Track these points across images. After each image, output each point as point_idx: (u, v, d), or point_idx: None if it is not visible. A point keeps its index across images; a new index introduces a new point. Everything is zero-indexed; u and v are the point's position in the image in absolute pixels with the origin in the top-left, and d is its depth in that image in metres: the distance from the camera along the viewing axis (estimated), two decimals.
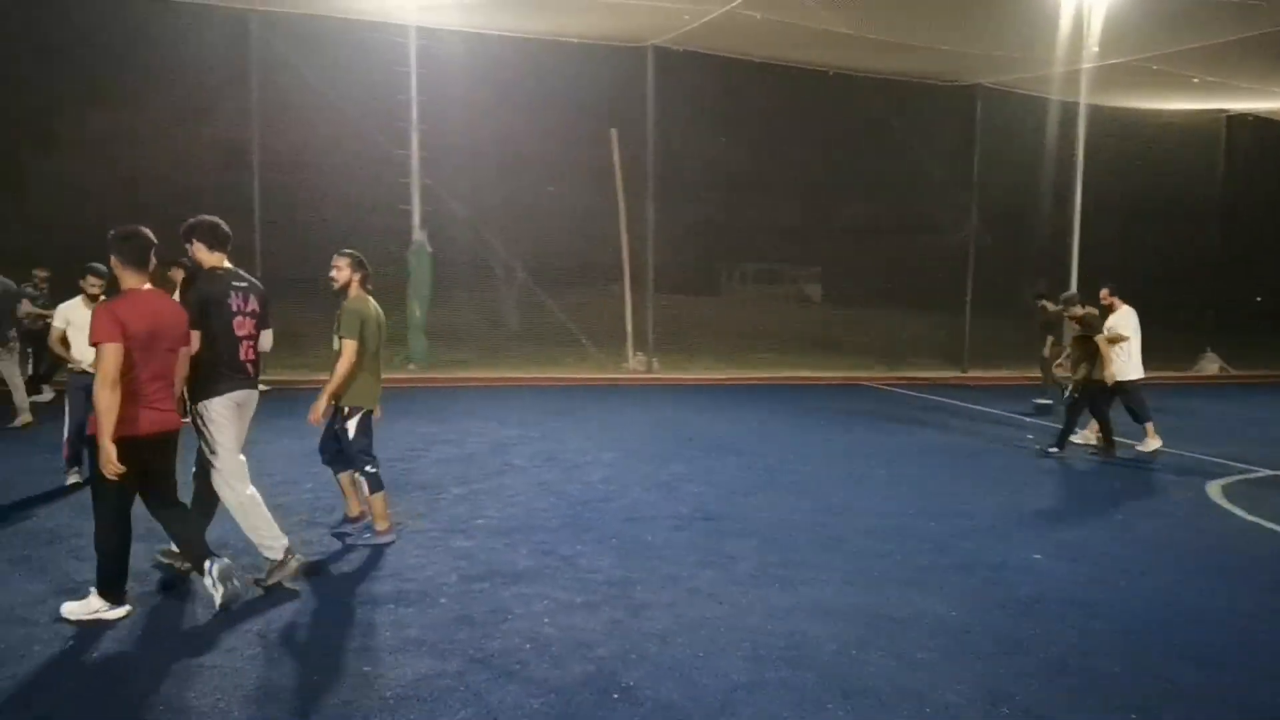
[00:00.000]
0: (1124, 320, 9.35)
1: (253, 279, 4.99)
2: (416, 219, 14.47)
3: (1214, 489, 7.78)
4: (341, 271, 5.52)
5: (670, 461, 8.29)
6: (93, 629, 4.12)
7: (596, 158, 16.03)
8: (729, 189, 19.94)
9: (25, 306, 9.69)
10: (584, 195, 17.08)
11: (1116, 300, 9.50)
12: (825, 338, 19.89)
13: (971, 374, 16.98)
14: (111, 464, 4.05)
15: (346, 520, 5.80)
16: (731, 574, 5.14)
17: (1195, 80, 16.09)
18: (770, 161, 19.94)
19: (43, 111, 17.09)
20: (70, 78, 16.25)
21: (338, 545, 5.48)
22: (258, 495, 4.76)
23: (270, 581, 4.66)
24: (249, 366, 4.83)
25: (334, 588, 4.77)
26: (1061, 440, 9.18)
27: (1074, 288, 18.18)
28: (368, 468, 5.51)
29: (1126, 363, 9.11)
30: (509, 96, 16.05)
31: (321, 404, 5.37)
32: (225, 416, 4.68)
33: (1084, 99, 16.99)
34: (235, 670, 3.76)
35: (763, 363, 17.48)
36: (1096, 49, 14.31)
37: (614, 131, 15.72)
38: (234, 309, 4.74)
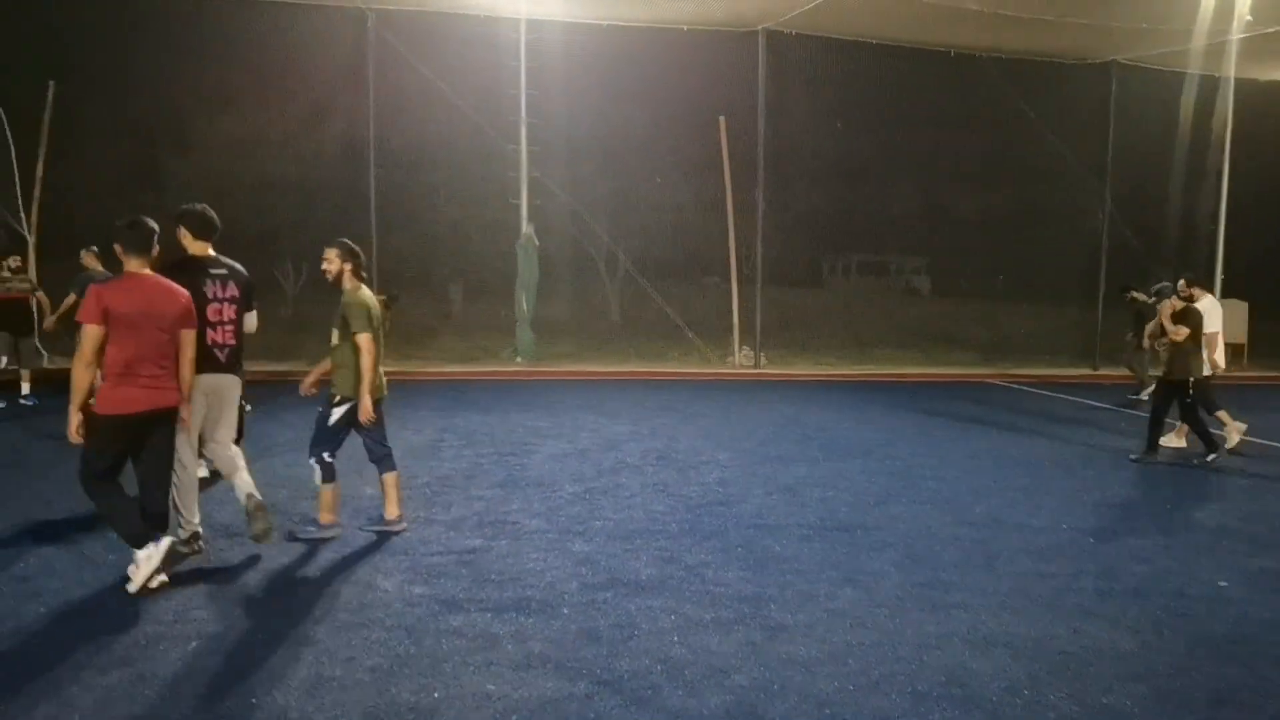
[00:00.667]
0: (1213, 312, 8.64)
1: (234, 265, 5.09)
2: (525, 212, 14.42)
3: None
4: (332, 263, 5.35)
5: (791, 463, 7.87)
6: (225, 622, 4.04)
7: (704, 147, 15.62)
8: (841, 178, 19.17)
9: None
10: (691, 185, 16.71)
11: (1196, 291, 8.68)
12: (938, 332, 18.98)
13: (1103, 372, 15.85)
14: (74, 434, 4.32)
15: (384, 520, 5.65)
16: (874, 594, 4.71)
17: None
18: (885, 148, 19.09)
19: (178, 114, 17.86)
20: (202, 82, 16.89)
21: (448, 541, 5.33)
22: (196, 479, 5.03)
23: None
24: (219, 352, 4.97)
25: (455, 590, 4.58)
26: (1210, 445, 8.35)
27: (1218, 279, 16.93)
28: (325, 455, 5.36)
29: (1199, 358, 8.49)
30: (616, 87, 15.81)
31: (367, 403, 5.29)
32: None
33: (1233, 73, 15.62)
34: (356, 684, 3.59)
35: (875, 358, 16.77)
36: (1250, 18, 13.09)
37: (722, 119, 15.30)
38: (209, 295, 4.94)
